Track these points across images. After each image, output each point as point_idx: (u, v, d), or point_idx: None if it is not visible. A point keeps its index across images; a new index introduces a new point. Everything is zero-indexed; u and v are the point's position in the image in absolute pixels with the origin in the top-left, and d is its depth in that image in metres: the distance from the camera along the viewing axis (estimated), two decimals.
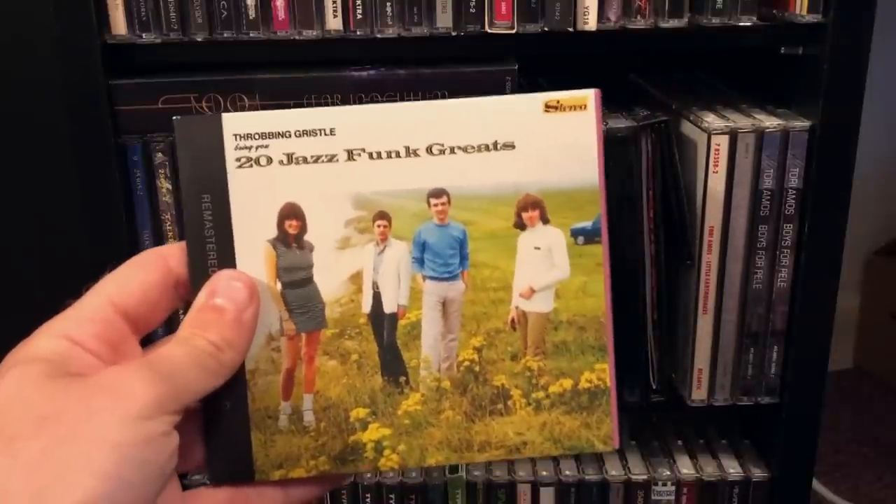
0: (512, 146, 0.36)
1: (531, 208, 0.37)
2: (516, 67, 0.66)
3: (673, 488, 0.78)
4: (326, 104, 0.66)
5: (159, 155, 0.66)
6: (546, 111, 0.37)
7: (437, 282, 0.38)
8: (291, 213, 0.36)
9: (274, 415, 0.36)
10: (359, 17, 0.64)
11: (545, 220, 0.37)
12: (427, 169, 0.36)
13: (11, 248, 0.96)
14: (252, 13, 0.64)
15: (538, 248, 0.38)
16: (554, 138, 0.37)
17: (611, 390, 0.38)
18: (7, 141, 0.93)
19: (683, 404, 0.75)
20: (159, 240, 0.68)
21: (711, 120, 0.68)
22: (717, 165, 0.67)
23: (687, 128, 0.71)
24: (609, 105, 0.73)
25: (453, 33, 0.65)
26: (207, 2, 0.64)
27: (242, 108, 0.66)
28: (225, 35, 0.64)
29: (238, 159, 0.35)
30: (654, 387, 0.73)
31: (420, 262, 0.37)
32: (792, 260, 0.70)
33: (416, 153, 0.36)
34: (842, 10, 0.64)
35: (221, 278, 0.34)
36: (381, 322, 0.38)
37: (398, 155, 0.36)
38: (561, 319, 0.38)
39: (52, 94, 0.67)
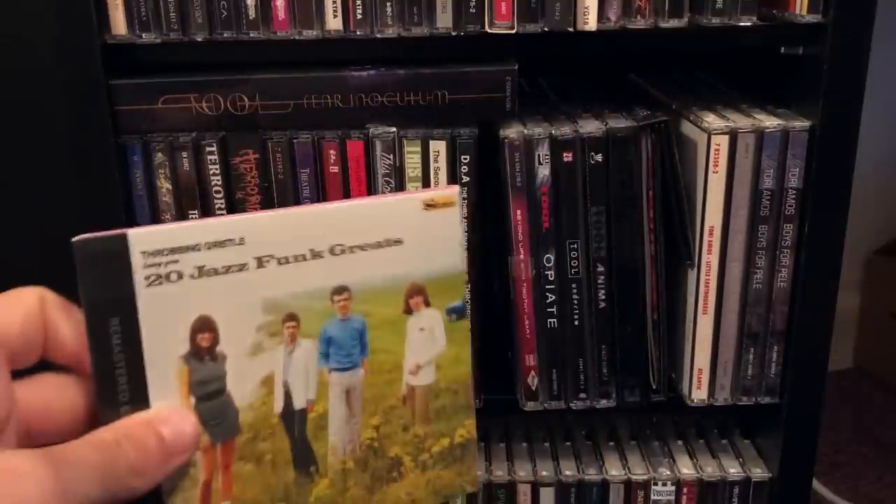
0: (400, 242, 0.40)
1: (416, 295, 0.41)
2: (516, 67, 0.67)
3: (673, 488, 0.78)
4: (326, 104, 0.66)
5: (159, 155, 0.66)
6: (425, 209, 0.40)
7: (342, 373, 0.40)
8: (204, 326, 0.36)
9: None
10: (359, 17, 0.64)
11: (427, 304, 0.41)
12: (330, 268, 0.38)
13: (11, 249, 0.96)
14: (252, 13, 0.64)
15: (422, 329, 0.41)
16: (431, 232, 0.40)
17: (475, 440, 0.43)
18: (7, 141, 0.93)
19: (683, 404, 0.75)
20: None
21: (711, 120, 0.68)
22: (717, 165, 0.67)
23: (687, 128, 0.71)
24: (609, 105, 0.73)
25: (453, 33, 0.65)
26: (207, 2, 0.64)
27: (242, 108, 0.66)
28: (225, 35, 0.64)
29: (148, 277, 0.34)
30: (654, 387, 0.74)
31: (326, 356, 0.39)
32: (792, 260, 0.70)
33: (320, 255, 0.38)
34: (842, 10, 0.64)
35: (176, 412, 0.34)
36: (292, 419, 0.39)
37: (304, 258, 0.37)
38: (441, 387, 0.42)
39: (52, 94, 0.67)
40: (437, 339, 0.42)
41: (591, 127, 0.67)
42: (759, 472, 0.78)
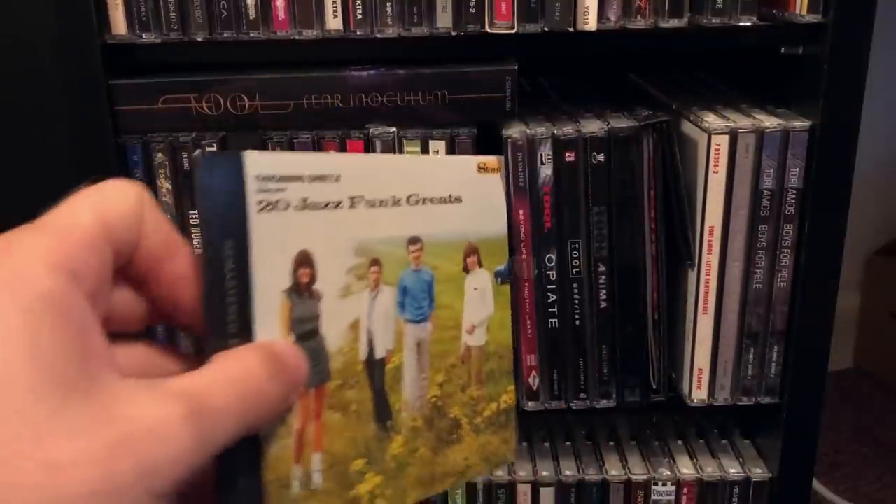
0: (460, 200, 0.40)
1: (472, 254, 0.41)
2: (516, 67, 0.67)
3: (673, 488, 0.78)
4: (326, 104, 0.66)
5: (159, 155, 0.66)
6: (479, 171, 0.41)
7: (414, 324, 0.39)
8: (305, 260, 0.34)
9: (287, 483, 0.33)
10: (359, 17, 0.64)
11: (480, 265, 0.41)
12: (407, 217, 0.38)
13: None
14: (252, 13, 0.64)
15: (476, 289, 0.41)
16: (482, 194, 0.41)
17: (515, 408, 0.43)
18: (7, 141, 0.93)
19: (683, 404, 0.75)
20: None
21: (712, 120, 0.68)
22: (717, 165, 0.67)
23: (687, 128, 0.71)
24: (610, 105, 0.73)
25: (453, 33, 0.65)
26: (207, 2, 0.64)
27: (242, 108, 0.66)
28: (225, 35, 0.64)
29: (259, 202, 0.33)
30: (654, 387, 0.73)
31: (402, 305, 0.38)
32: (792, 260, 0.70)
33: (399, 203, 0.38)
34: (842, 10, 0.64)
35: (288, 346, 0.31)
36: (374, 368, 0.37)
37: (387, 204, 0.37)
38: (490, 350, 0.42)
39: (52, 94, 0.67)
40: (488, 301, 0.42)
41: (593, 126, 0.67)
42: (759, 472, 0.78)
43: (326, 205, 0.35)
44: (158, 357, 0.30)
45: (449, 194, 0.39)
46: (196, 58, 0.65)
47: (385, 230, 0.37)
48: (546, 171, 0.67)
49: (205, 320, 0.30)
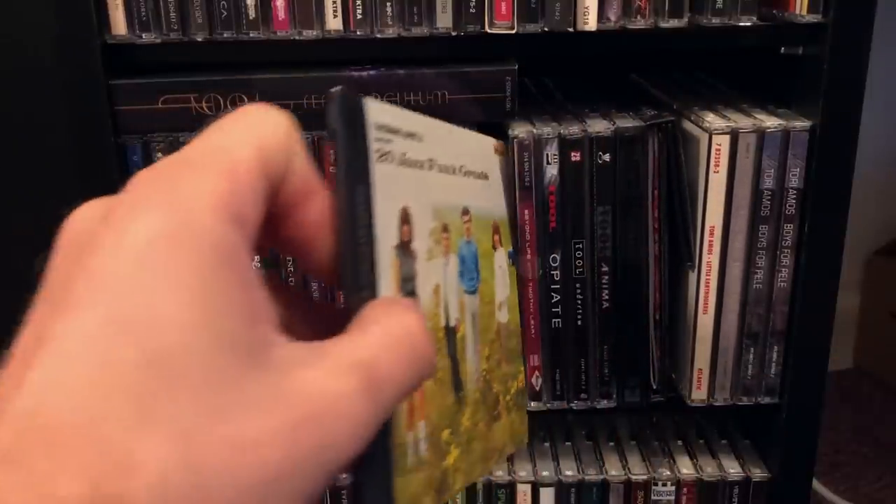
0: (487, 177, 0.40)
1: (497, 232, 0.41)
2: (516, 67, 0.66)
3: (673, 488, 0.78)
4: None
5: (159, 155, 0.66)
6: (494, 152, 0.41)
7: (470, 295, 0.38)
8: (406, 217, 0.32)
9: (404, 451, 0.31)
10: (359, 17, 0.64)
11: (501, 244, 0.41)
12: (460, 187, 0.37)
13: (10, 250, 0.96)
14: (252, 13, 0.64)
15: (500, 267, 0.41)
16: (496, 175, 0.41)
17: (526, 389, 0.42)
18: (6, 141, 0.93)
19: (683, 404, 0.75)
20: None
21: (712, 120, 0.68)
22: (717, 165, 0.67)
23: (688, 128, 0.71)
24: (614, 105, 0.73)
25: (453, 33, 0.65)
26: (207, 2, 0.64)
27: None
28: (225, 35, 0.64)
29: (377, 150, 0.30)
30: (654, 387, 0.73)
31: (462, 275, 0.37)
32: (792, 260, 0.70)
33: (454, 171, 0.37)
34: (842, 10, 0.64)
35: (413, 302, 0.29)
36: (450, 336, 0.36)
37: (447, 171, 0.36)
38: (511, 329, 0.42)
39: (52, 94, 0.67)
40: (507, 280, 0.41)
41: (599, 126, 0.67)
42: (759, 472, 0.78)
43: (416, 163, 0.33)
44: (276, 294, 0.27)
45: (481, 170, 0.39)
46: (196, 58, 0.65)
47: (448, 197, 0.35)
48: (552, 171, 0.67)
49: (343, 271, 0.28)
